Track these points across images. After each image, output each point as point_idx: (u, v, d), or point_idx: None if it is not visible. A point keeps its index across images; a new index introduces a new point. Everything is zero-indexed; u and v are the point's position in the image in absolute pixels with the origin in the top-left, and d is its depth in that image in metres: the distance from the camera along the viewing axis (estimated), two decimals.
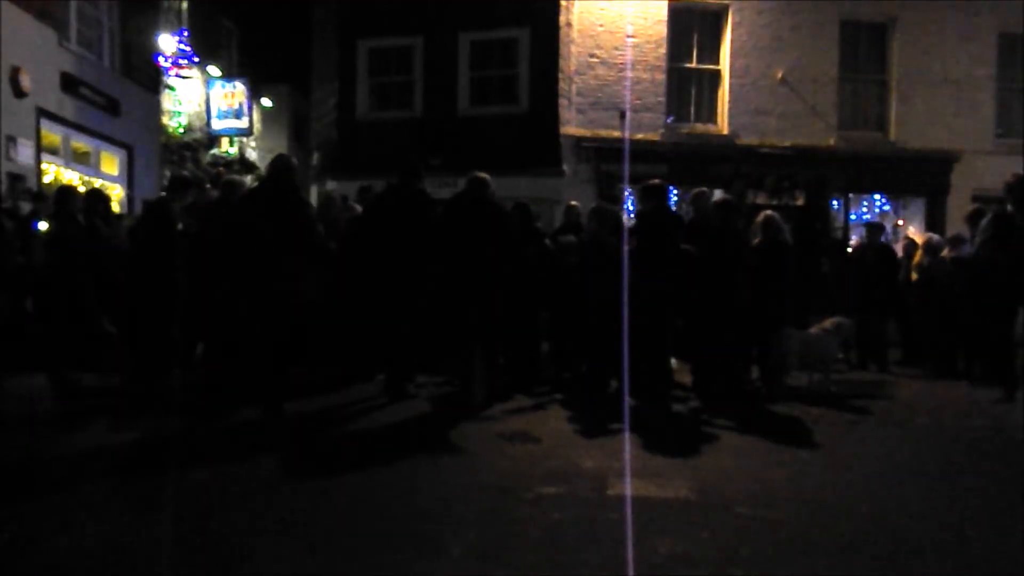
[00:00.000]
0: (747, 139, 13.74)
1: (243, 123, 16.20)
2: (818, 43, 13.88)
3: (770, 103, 13.80)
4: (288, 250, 5.62)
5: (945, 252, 8.82)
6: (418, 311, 6.53)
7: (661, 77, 13.70)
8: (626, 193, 12.81)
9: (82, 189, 11.33)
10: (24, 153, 10.28)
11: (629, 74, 13.56)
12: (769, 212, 7.50)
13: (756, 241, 7.37)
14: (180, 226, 6.83)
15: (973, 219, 8.32)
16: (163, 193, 8.91)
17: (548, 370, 7.58)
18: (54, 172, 11.31)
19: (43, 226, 7.68)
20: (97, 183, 12.21)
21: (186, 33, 14.83)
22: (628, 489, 3.90)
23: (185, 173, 11.42)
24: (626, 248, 6.29)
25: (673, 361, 6.97)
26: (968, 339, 8.34)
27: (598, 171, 13.45)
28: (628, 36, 13.47)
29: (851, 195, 14.23)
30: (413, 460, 4.56)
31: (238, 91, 16.05)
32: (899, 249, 10.01)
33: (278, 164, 6.06)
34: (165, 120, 14.72)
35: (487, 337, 6.40)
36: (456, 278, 6.37)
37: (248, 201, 6.23)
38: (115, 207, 10.64)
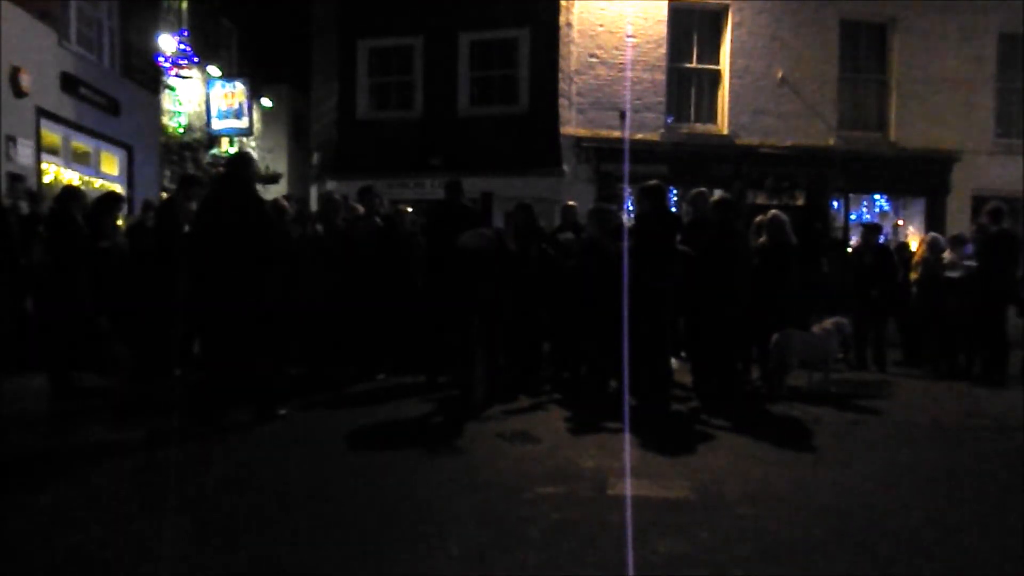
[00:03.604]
0: (747, 139, 13.74)
1: (243, 123, 16.19)
2: (818, 43, 13.87)
3: (770, 103, 13.79)
4: (245, 248, 5.45)
5: (947, 253, 8.82)
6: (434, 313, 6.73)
7: (661, 77, 13.70)
8: (626, 193, 12.81)
9: (84, 189, 11.36)
10: (24, 153, 10.27)
11: (629, 74, 13.55)
12: (775, 212, 7.49)
13: (761, 241, 7.36)
14: (187, 227, 6.83)
15: (994, 216, 8.27)
16: (164, 194, 8.93)
17: (548, 370, 7.59)
18: (54, 172, 11.30)
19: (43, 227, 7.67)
20: (97, 183, 12.22)
21: (186, 33, 14.81)
22: (628, 489, 3.90)
23: (196, 173, 11.42)
24: (625, 248, 6.29)
25: (673, 361, 6.97)
26: (968, 339, 8.35)
27: (598, 171, 13.44)
28: (628, 36, 13.45)
29: (851, 195, 14.22)
30: (413, 460, 4.56)
31: (238, 91, 16.04)
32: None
33: (235, 162, 5.95)
34: (165, 120, 14.70)
35: (487, 337, 6.41)
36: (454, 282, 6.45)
37: (208, 200, 6.17)
38: None
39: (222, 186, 5.96)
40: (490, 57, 14.02)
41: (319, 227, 7.74)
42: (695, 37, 14.05)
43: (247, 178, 5.80)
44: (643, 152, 13.09)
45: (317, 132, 15.12)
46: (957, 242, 8.96)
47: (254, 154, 17.96)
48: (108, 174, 12.87)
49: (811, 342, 7.00)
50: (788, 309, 7.07)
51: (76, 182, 11.43)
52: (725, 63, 13.90)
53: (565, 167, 13.33)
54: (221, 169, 14.53)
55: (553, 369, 7.56)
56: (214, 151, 16.37)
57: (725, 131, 13.85)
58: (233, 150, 16.83)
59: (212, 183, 7.23)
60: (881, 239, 9.96)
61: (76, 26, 11.99)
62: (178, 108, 15.08)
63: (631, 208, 12.20)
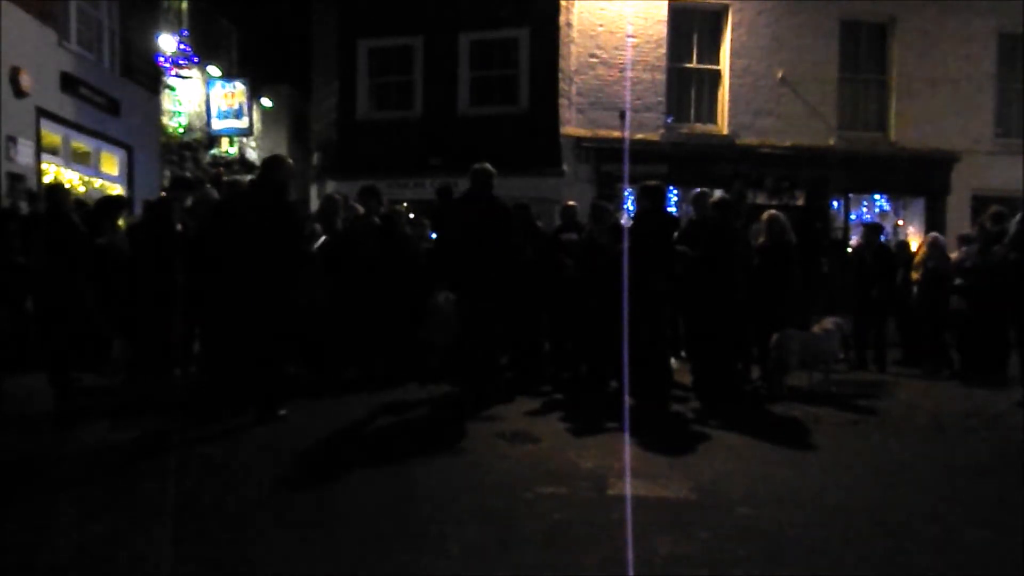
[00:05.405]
0: (747, 139, 13.73)
1: (243, 123, 16.21)
2: (818, 43, 13.86)
3: (770, 103, 13.79)
4: (274, 253, 5.44)
5: (955, 254, 8.80)
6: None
7: (661, 77, 13.69)
8: (626, 193, 12.81)
9: (82, 189, 11.37)
10: (24, 153, 10.27)
11: (629, 74, 13.55)
12: (774, 212, 7.49)
13: (760, 241, 7.36)
14: (179, 227, 6.84)
15: (997, 220, 8.23)
16: (163, 193, 8.94)
17: (548, 370, 7.59)
18: (54, 172, 11.31)
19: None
20: (97, 183, 12.22)
21: (186, 33, 14.83)
22: (628, 489, 3.90)
23: (187, 174, 11.44)
24: (625, 248, 6.29)
25: (673, 361, 6.97)
26: (970, 339, 8.34)
27: (598, 171, 13.43)
28: (628, 36, 13.45)
29: (851, 195, 14.22)
30: (413, 460, 4.56)
31: (238, 91, 16.06)
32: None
33: (268, 164, 5.88)
34: (165, 120, 14.72)
35: (486, 332, 6.42)
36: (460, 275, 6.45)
37: (236, 202, 6.15)
38: None
39: (254, 189, 5.94)
40: (490, 57, 14.00)
41: (318, 227, 7.74)
42: (695, 37, 14.04)
43: (282, 181, 5.78)
44: (643, 152, 13.07)
45: (317, 132, 15.12)
46: (963, 242, 8.94)
47: (254, 154, 18.01)
48: (108, 174, 12.88)
49: (811, 342, 7.00)
50: (788, 309, 7.07)
51: (76, 182, 11.45)
52: (725, 63, 13.89)
53: (565, 167, 13.32)
54: (228, 174, 14.60)
55: (553, 369, 7.56)
56: (214, 151, 16.38)
57: (725, 131, 13.85)
58: (233, 150, 16.86)
59: (230, 186, 7.29)
60: (881, 239, 9.95)
61: (76, 26, 12.00)
62: (178, 108, 15.10)
63: (631, 208, 12.20)
